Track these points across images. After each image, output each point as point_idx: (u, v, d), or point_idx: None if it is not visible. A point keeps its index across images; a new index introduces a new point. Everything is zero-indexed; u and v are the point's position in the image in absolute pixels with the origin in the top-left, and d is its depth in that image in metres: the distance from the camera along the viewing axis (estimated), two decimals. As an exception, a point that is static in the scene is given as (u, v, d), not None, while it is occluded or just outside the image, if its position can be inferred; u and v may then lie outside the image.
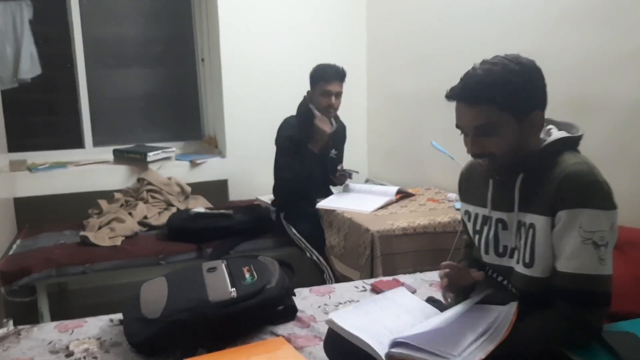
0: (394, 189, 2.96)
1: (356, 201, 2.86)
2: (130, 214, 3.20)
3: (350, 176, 3.09)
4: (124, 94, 3.95)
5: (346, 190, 3.08)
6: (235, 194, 3.86)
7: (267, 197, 3.71)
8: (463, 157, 1.59)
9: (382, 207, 2.78)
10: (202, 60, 4.00)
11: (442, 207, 2.82)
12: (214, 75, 3.93)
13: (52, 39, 3.75)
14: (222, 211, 3.15)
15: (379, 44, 3.93)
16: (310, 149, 2.97)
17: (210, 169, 3.79)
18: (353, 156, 3.50)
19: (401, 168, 3.71)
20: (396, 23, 3.66)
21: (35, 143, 3.80)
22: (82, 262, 2.78)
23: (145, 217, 3.23)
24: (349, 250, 2.63)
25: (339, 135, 3.21)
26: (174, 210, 3.37)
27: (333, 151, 3.17)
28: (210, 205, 3.58)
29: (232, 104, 3.77)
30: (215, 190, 3.83)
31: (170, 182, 3.50)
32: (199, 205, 3.53)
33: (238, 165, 3.84)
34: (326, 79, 2.93)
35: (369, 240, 2.45)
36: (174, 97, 4.07)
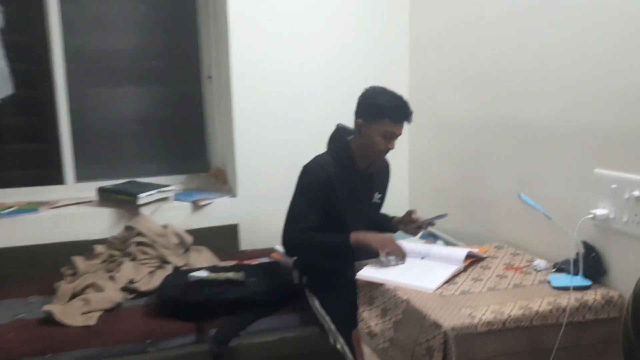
0: (462, 252, 2.20)
1: (412, 270, 2.11)
2: (112, 277, 2.47)
3: (431, 224, 2.39)
4: (114, 117, 3.25)
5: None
6: (248, 242, 3.13)
7: (287, 246, 2.99)
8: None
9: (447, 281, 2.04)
10: (209, 77, 3.30)
11: (530, 280, 2.06)
12: (222, 95, 3.22)
13: (27, 52, 3.06)
14: (230, 276, 2.41)
15: (425, 55, 3.19)
16: (346, 202, 2.28)
17: (217, 212, 3.07)
18: (391, 195, 2.75)
19: (454, 213, 2.95)
20: (446, 29, 2.93)
21: (7, 177, 3.10)
22: (41, 352, 2.06)
23: (132, 282, 2.50)
24: (399, 346, 1.88)
25: (382, 174, 2.51)
26: (169, 269, 2.64)
27: (377, 195, 2.44)
28: (215, 261, 2.86)
29: (244, 129, 3.06)
30: (224, 237, 3.10)
31: (165, 232, 2.78)
32: (202, 261, 2.81)
33: (251, 207, 3.12)
34: (394, 119, 2.20)
35: (439, 341, 1.70)
36: (174, 121, 3.36)
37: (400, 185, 3.29)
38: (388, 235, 2.25)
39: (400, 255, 2.16)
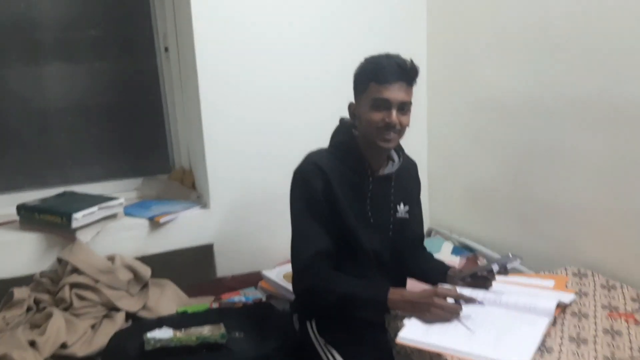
0: (550, 298, 1.51)
1: (481, 330, 1.40)
2: (33, 343, 1.70)
3: (500, 271, 1.62)
4: (39, 105, 2.42)
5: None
6: (227, 267, 2.38)
7: (278, 270, 2.28)
8: None
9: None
10: (166, 49, 2.49)
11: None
12: (185, 72, 2.43)
13: None
14: (206, 335, 1.67)
15: (448, 19, 2.45)
16: (356, 216, 1.63)
17: (184, 229, 2.29)
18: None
19: (502, 224, 2.24)
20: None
21: None
22: None
23: (64, 346, 1.74)
24: None
25: (407, 179, 1.78)
26: (119, 319, 1.89)
27: (402, 207, 1.73)
28: (184, 299, 2.11)
29: (216, 117, 2.29)
30: (194, 263, 2.35)
31: (112, 266, 2.01)
32: (166, 301, 2.06)
33: (229, 220, 2.37)
34: (380, 78, 1.55)
35: None
36: (121, 108, 2.55)
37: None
38: (427, 292, 1.49)
39: (449, 317, 1.46)
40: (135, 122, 2.58)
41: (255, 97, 2.32)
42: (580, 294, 1.66)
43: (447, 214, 2.54)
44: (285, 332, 1.74)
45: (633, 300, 1.60)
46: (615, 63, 1.72)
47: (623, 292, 1.66)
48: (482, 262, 1.58)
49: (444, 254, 2.36)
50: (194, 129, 2.41)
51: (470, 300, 1.48)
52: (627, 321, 1.48)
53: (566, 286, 1.71)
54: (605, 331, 1.44)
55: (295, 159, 2.35)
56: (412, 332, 1.42)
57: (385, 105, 1.55)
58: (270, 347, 1.65)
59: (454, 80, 2.37)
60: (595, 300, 1.62)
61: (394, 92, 1.55)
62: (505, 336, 1.37)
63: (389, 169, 1.71)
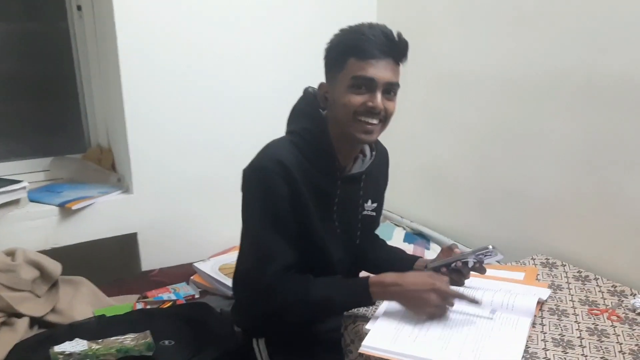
0: (531, 296, 1.33)
1: (460, 333, 1.20)
2: None
3: (479, 266, 1.33)
4: None
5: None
6: (153, 259, 2.10)
7: (213, 262, 2.02)
8: None
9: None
10: (79, 7, 2.13)
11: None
12: (101, 36, 2.09)
13: None
14: (129, 346, 1.39)
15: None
16: (322, 220, 1.33)
17: (102, 217, 1.98)
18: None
19: (465, 209, 2.07)
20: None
21: None
22: None
23: (-51, 364, 1.42)
24: None
25: (377, 173, 1.48)
26: (21, 327, 1.58)
27: (369, 204, 1.46)
28: (101, 299, 1.81)
29: (138, 88, 1.97)
30: (115, 256, 2.05)
31: (12, 263, 1.67)
32: (79, 303, 1.76)
33: (156, 206, 2.08)
34: (363, 53, 1.22)
35: None
36: (26, 76, 2.18)
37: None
38: (432, 283, 1.23)
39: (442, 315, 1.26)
40: (42, 93, 2.23)
41: (186, 65, 2.03)
42: (554, 287, 1.50)
43: (398, 198, 2.34)
44: (225, 338, 1.49)
45: (611, 293, 1.46)
46: (594, 33, 1.55)
47: (599, 285, 1.52)
48: (458, 253, 1.36)
49: (396, 241, 2.17)
50: (113, 102, 2.09)
51: (473, 302, 1.26)
52: (610, 319, 1.34)
53: (537, 279, 1.55)
54: (590, 331, 1.28)
55: (232, 138, 2.11)
56: (378, 340, 1.20)
57: (368, 85, 1.23)
58: (208, 359, 1.39)
59: (410, 54, 2.16)
60: (571, 294, 1.46)
61: (380, 70, 1.22)
62: (485, 342, 1.18)
63: (359, 166, 1.39)
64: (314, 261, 1.32)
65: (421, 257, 1.51)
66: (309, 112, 1.35)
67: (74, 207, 1.89)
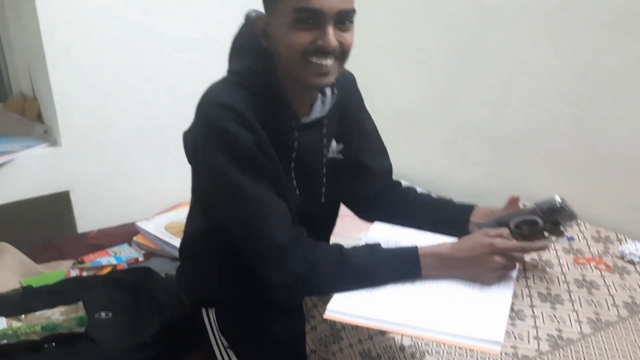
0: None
1: (435, 295, 1.06)
2: None
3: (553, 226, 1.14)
4: None
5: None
6: (90, 219, 1.89)
7: (158, 221, 1.84)
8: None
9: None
10: None
11: (637, 288, 1.13)
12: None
13: None
14: (58, 322, 1.21)
15: None
16: (283, 174, 1.11)
17: (28, 173, 1.78)
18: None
19: (432, 154, 1.91)
20: None
21: None
22: None
23: None
24: None
25: (343, 109, 1.23)
26: None
27: (334, 145, 1.22)
28: (30, 268, 1.61)
29: (59, 25, 1.73)
30: (45, 217, 1.83)
31: None
32: (5, 270, 1.57)
33: (89, 160, 1.86)
34: None
35: None
36: None
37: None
38: (482, 238, 1.07)
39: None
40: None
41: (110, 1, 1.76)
42: (535, 236, 1.37)
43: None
44: (170, 307, 1.31)
45: (595, 240, 1.34)
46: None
47: (581, 230, 1.39)
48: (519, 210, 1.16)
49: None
50: (32, 44, 1.82)
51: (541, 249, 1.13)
52: (598, 268, 1.21)
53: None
54: (579, 283, 1.16)
55: (170, 80, 1.88)
56: (345, 303, 1.04)
57: (315, 18, 0.99)
58: (149, 333, 1.21)
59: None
60: (553, 242, 1.33)
61: (332, 1, 0.98)
62: (467, 302, 1.04)
63: (319, 109, 1.16)
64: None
65: (475, 205, 1.26)
66: (251, 46, 1.10)
67: (-6, 162, 1.66)
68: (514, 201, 1.18)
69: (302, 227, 1.08)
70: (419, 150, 1.94)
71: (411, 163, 1.94)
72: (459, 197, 1.57)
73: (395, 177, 1.47)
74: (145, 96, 1.86)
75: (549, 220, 1.12)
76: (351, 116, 1.25)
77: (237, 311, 1.21)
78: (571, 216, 1.11)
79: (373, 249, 1.10)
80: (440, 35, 1.77)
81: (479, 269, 1.06)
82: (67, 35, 1.72)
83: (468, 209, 1.24)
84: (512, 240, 1.07)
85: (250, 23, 1.10)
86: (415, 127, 1.93)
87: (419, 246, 1.09)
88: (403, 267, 1.07)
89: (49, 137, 1.85)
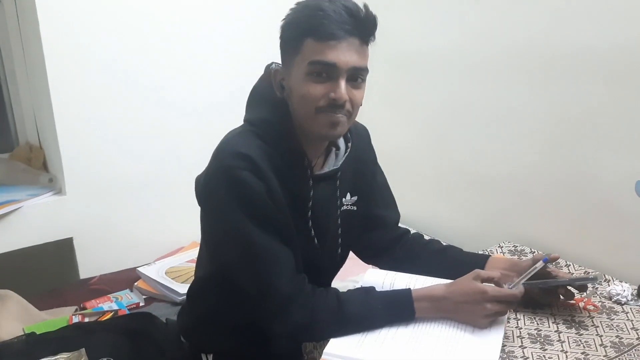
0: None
1: (430, 334, 1.09)
2: None
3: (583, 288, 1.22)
4: None
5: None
6: (92, 265, 1.92)
7: (159, 266, 1.87)
8: None
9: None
10: (-2, -5, 1.93)
11: (625, 329, 1.17)
12: (24, 26, 1.89)
13: None
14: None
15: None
16: (300, 230, 1.15)
17: (33, 222, 1.81)
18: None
19: (426, 196, 1.96)
20: None
21: None
22: None
23: None
24: None
25: (356, 162, 1.27)
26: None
27: (348, 197, 1.26)
28: (32, 315, 1.63)
29: (66, 79, 1.79)
30: (49, 263, 1.87)
31: None
32: (8, 317, 1.60)
33: (93, 207, 1.91)
34: (322, 33, 1.02)
35: None
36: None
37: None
38: (480, 293, 1.09)
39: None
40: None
41: (116, 57, 1.86)
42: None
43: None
44: (170, 352, 1.34)
45: (619, 301, 1.35)
46: (549, 5, 1.46)
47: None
48: (557, 273, 1.21)
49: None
50: (40, 97, 1.89)
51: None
52: (586, 309, 1.25)
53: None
54: (568, 324, 1.19)
55: (170, 132, 1.94)
56: (341, 346, 1.07)
57: (329, 72, 1.04)
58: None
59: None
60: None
61: (343, 53, 1.03)
62: (458, 343, 1.07)
63: (332, 162, 1.20)
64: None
65: (489, 255, 1.29)
66: (269, 97, 1.14)
67: (0, 212, 1.70)
68: (552, 260, 1.18)
69: (303, 275, 1.12)
70: (412, 193, 1.99)
71: (404, 205, 1.99)
72: (448, 238, 1.63)
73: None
74: (148, 147, 1.92)
75: (579, 289, 1.20)
76: (365, 169, 1.31)
77: (236, 357, 1.24)
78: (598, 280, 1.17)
79: (368, 294, 1.13)
80: (433, 85, 1.84)
81: (471, 315, 1.09)
82: (74, 89, 1.78)
83: (483, 258, 1.27)
84: (501, 289, 1.10)
85: (268, 75, 1.16)
86: (408, 171, 1.99)
87: (412, 289, 1.13)
88: (397, 310, 1.11)
89: (54, 185, 1.89)
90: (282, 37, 1.10)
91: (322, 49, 1.02)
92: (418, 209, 1.97)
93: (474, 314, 1.08)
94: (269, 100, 1.14)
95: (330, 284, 1.32)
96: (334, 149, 1.22)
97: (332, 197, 1.21)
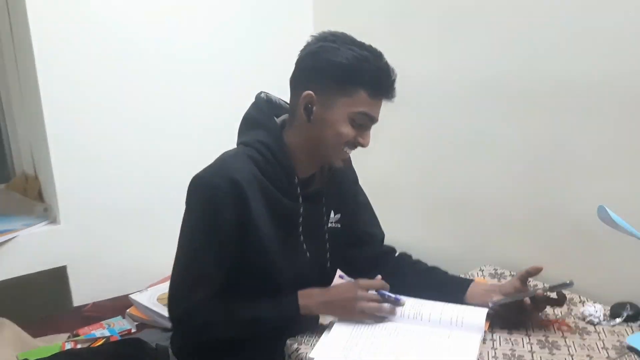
0: (479, 310, 1.27)
1: (408, 354, 1.14)
2: None
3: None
4: None
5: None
6: (86, 293, 1.95)
7: (151, 293, 1.91)
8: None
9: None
10: (-5, 30, 2.01)
11: (596, 349, 1.21)
12: (20, 59, 1.95)
13: None
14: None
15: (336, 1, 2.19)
16: (279, 243, 1.24)
17: (27, 251, 1.84)
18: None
19: (415, 221, 2.02)
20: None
21: None
22: None
23: None
24: None
25: (338, 181, 1.38)
26: None
27: (332, 216, 1.36)
28: (27, 342, 1.67)
29: (61, 112, 1.85)
30: (43, 291, 1.91)
31: None
32: (2, 344, 1.61)
33: (86, 236, 1.94)
34: (377, 92, 1.19)
35: None
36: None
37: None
38: (347, 286, 1.26)
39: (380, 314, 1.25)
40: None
41: (109, 88, 1.91)
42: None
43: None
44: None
45: (593, 321, 1.40)
46: (527, 40, 1.54)
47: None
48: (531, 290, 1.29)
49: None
50: (36, 129, 1.95)
51: (394, 302, 1.25)
52: (560, 329, 1.29)
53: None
54: (541, 344, 1.23)
55: (161, 163, 2.00)
56: (325, 352, 1.13)
57: (366, 122, 1.20)
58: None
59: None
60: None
61: (379, 109, 1.21)
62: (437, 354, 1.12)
63: (318, 181, 1.32)
64: (263, 286, 1.24)
65: (472, 279, 1.38)
66: (262, 121, 1.25)
67: (-5, 240, 1.75)
68: (535, 271, 1.28)
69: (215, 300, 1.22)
70: (397, 217, 2.04)
71: (389, 228, 2.04)
72: (431, 262, 1.68)
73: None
74: (140, 177, 1.96)
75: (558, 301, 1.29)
76: (347, 189, 1.40)
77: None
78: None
79: (257, 298, 1.24)
80: (417, 115, 1.90)
81: (345, 310, 1.23)
82: (67, 123, 1.84)
83: (467, 281, 1.35)
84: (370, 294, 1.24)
85: (261, 100, 1.28)
86: (393, 196, 2.04)
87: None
88: (282, 306, 1.23)
89: (48, 215, 1.94)
90: (329, 74, 1.16)
91: (372, 105, 1.18)
92: (402, 233, 2.00)
93: (347, 309, 1.22)
94: (262, 125, 1.24)
95: None
96: (320, 170, 1.31)
97: (319, 214, 1.31)
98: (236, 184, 1.14)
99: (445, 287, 1.33)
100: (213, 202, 1.15)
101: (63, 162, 1.86)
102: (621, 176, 1.38)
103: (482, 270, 1.64)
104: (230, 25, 2.11)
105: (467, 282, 1.34)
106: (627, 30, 1.34)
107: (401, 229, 2.01)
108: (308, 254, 1.29)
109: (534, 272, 1.27)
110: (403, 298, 1.26)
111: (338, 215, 1.36)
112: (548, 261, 1.53)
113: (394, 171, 2.03)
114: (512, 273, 1.61)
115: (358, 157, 2.04)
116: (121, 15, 1.90)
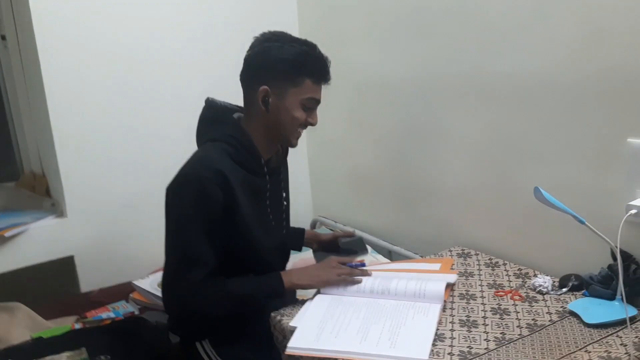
0: (439, 283, 1.44)
1: (374, 326, 1.31)
2: None
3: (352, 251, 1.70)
4: None
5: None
6: (92, 280, 2.12)
7: (152, 279, 2.07)
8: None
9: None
10: (3, 37, 2.16)
11: (546, 315, 1.37)
12: (27, 64, 2.12)
13: None
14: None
15: (318, 2, 2.35)
16: (255, 220, 1.47)
17: (37, 242, 2.00)
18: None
19: (387, 209, 2.19)
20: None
21: None
22: None
23: None
24: None
25: (283, 162, 1.67)
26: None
27: (284, 196, 1.64)
28: (39, 323, 1.83)
29: (65, 113, 2.01)
30: (53, 279, 2.07)
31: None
32: (16, 328, 1.77)
33: (91, 228, 2.11)
34: (319, 78, 1.44)
35: None
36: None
37: (297, 175, 2.45)
38: (327, 263, 1.52)
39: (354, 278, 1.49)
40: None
41: (110, 90, 2.07)
42: (466, 274, 1.62)
43: (331, 203, 2.46)
44: (160, 348, 1.55)
45: (516, 276, 1.59)
46: (486, 38, 1.69)
47: (506, 269, 1.64)
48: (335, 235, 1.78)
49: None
50: (42, 129, 2.11)
51: (362, 270, 1.52)
52: (512, 298, 1.46)
53: (452, 268, 1.67)
54: (494, 311, 1.40)
55: (159, 158, 2.16)
56: (302, 340, 1.29)
57: (313, 105, 1.45)
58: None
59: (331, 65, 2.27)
60: (481, 280, 1.59)
61: (321, 92, 1.46)
62: (400, 330, 1.29)
63: (274, 160, 1.56)
64: (249, 258, 1.46)
65: (305, 229, 1.80)
66: (225, 119, 1.47)
67: (7, 234, 1.91)
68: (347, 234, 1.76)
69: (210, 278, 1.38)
70: (373, 204, 2.22)
71: (367, 215, 2.23)
72: (405, 244, 1.87)
73: (356, 229, 1.83)
74: (139, 174, 2.12)
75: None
76: (287, 175, 1.67)
77: (228, 336, 1.48)
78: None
79: (248, 276, 1.45)
80: (389, 109, 2.07)
81: (321, 277, 1.46)
82: (73, 123, 1.99)
83: (300, 230, 1.79)
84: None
85: (213, 103, 1.51)
86: (370, 185, 2.22)
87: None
88: (268, 281, 1.43)
89: (56, 209, 2.11)
90: (280, 69, 1.38)
91: (317, 90, 1.43)
92: (380, 219, 2.19)
93: (325, 278, 1.46)
94: (222, 121, 1.46)
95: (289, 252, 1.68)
96: (279, 150, 1.56)
97: (279, 188, 1.57)
98: (220, 173, 1.34)
99: (292, 237, 1.73)
100: (205, 191, 1.33)
101: (68, 160, 2.02)
102: (567, 162, 1.53)
103: (451, 251, 1.80)
104: (232, 26, 2.27)
105: (301, 230, 1.79)
106: (565, 34, 1.49)
107: (378, 215, 2.19)
108: (273, 222, 1.53)
109: (343, 235, 1.73)
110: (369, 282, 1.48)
111: (285, 194, 1.63)
112: (508, 240, 1.71)
113: (371, 164, 2.20)
114: (476, 252, 1.77)
115: (344, 151, 2.23)
116: (126, 17, 2.06)
